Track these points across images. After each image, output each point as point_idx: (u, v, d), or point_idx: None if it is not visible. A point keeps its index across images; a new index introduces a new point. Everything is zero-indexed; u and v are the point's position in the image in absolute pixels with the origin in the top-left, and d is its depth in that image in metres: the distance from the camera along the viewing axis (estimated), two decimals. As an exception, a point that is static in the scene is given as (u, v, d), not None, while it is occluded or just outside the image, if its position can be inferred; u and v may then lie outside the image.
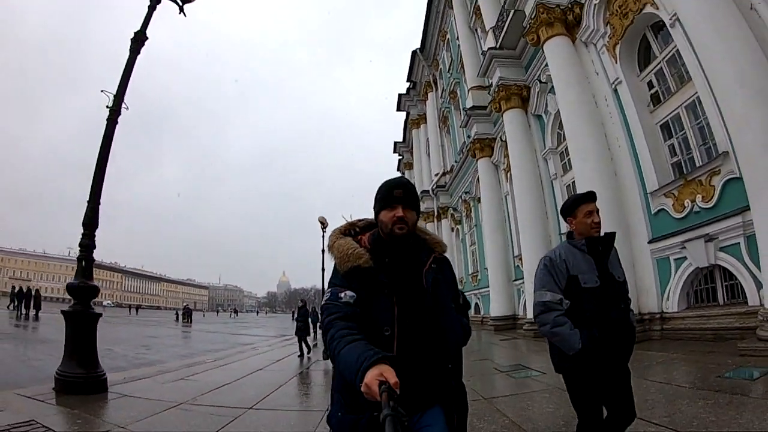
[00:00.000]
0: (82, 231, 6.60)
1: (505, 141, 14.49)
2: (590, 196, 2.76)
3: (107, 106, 7.00)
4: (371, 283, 1.71)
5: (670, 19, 7.59)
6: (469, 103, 17.59)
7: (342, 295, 1.69)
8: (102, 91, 7.00)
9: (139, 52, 7.40)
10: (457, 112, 22.64)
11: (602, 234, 2.70)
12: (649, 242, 8.77)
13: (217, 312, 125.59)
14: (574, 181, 11.16)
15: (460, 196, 22.61)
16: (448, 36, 23.63)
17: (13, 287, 33.83)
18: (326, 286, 1.88)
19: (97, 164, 6.99)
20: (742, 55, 6.05)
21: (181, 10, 8.15)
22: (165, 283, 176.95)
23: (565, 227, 3.73)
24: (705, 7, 6.55)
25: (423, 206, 28.97)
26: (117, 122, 7.15)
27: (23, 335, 15.99)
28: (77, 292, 6.32)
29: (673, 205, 8.30)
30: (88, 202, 6.69)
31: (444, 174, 25.55)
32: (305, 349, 12.17)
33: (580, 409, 2.73)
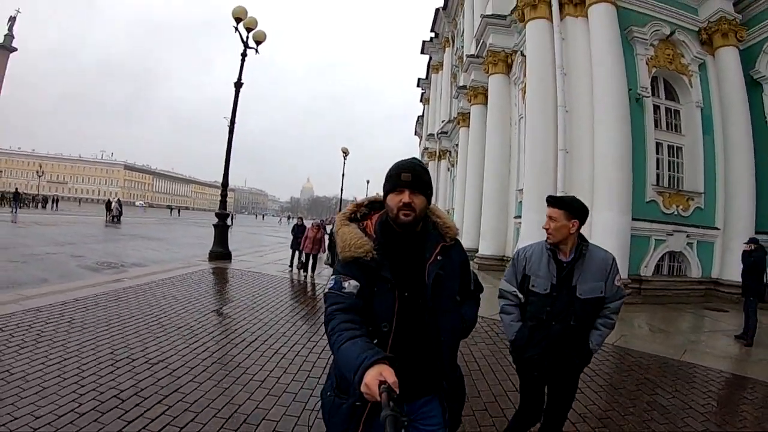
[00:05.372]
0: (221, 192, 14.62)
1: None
2: (548, 200, 2.83)
3: (227, 125, 14.49)
4: (373, 275, 1.76)
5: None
6: (488, 10, 17.16)
7: (346, 284, 1.75)
8: (224, 117, 14.26)
9: (239, 92, 14.25)
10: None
11: (554, 242, 2.76)
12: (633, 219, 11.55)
13: (258, 216, 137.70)
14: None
15: (456, 144, 27.93)
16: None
17: (108, 200, 41.76)
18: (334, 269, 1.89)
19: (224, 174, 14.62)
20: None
21: (257, 51, 14.48)
22: (193, 185, 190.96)
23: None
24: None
25: (429, 145, 36.79)
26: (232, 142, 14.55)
27: (147, 236, 25.74)
28: (221, 216, 14.17)
29: (662, 202, 12.23)
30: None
31: (449, 122, 30.59)
32: (296, 261, 13.91)
33: (520, 395, 3.05)
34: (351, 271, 1.78)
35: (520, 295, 2.86)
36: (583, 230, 10.70)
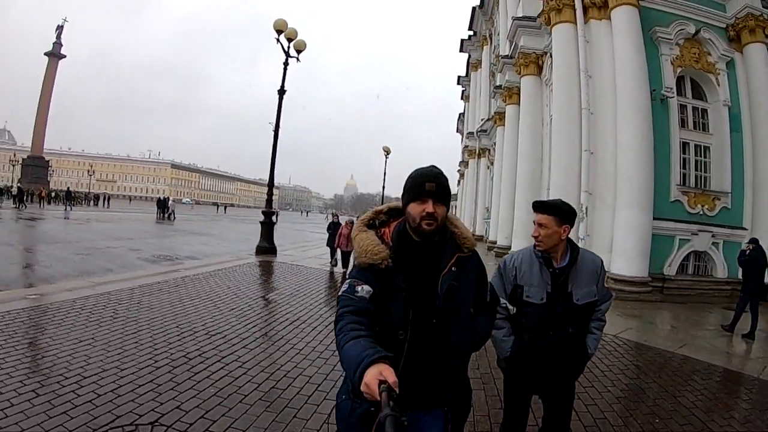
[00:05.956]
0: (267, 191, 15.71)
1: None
2: (536, 205, 2.73)
3: (272, 129, 15.66)
4: (387, 283, 1.78)
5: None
6: (519, 12, 17.54)
7: (359, 288, 1.77)
8: (269, 123, 15.45)
9: (282, 98, 15.46)
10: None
11: (545, 250, 2.65)
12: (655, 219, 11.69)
13: (302, 212, 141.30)
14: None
15: (494, 142, 27.98)
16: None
17: (159, 198, 44.12)
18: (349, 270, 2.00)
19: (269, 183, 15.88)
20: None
21: (298, 59, 15.65)
22: (239, 183, 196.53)
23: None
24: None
25: (469, 143, 37.22)
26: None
27: (198, 232, 27.73)
28: (267, 214, 15.47)
29: (687, 202, 12.42)
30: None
31: (488, 120, 30.71)
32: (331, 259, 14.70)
33: (506, 408, 2.94)
34: (365, 276, 1.80)
35: (511, 307, 2.75)
36: (606, 229, 11.70)
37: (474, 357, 4.97)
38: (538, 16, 15.35)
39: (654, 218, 11.68)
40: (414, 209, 1.83)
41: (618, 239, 11.61)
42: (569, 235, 2.71)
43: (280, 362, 5.19)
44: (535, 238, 2.67)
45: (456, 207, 42.40)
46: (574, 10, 13.05)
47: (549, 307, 2.63)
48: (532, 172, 17.69)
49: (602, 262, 2.81)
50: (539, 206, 2.69)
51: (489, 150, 31.49)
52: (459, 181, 48.83)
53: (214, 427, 3.54)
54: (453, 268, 1.86)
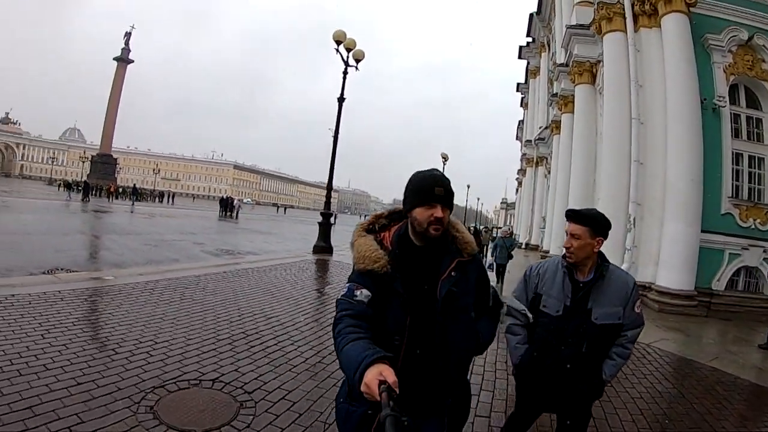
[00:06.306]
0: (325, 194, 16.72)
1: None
2: (570, 214, 2.59)
3: (332, 136, 16.39)
4: (386, 288, 1.80)
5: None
6: (573, 20, 17.24)
7: (358, 293, 1.79)
8: (329, 129, 16.40)
9: (341, 106, 16.39)
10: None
11: (575, 262, 2.55)
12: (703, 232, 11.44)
13: (360, 215, 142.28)
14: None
15: (551, 151, 27.49)
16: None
17: (222, 197, 47.60)
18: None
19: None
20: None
21: (357, 68, 16.53)
22: (298, 185, 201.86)
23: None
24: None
25: (527, 151, 37.15)
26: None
27: (258, 230, 30.05)
28: (325, 215, 16.53)
29: (739, 215, 11.96)
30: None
31: (546, 128, 30.09)
32: None
33: (517, 406, 2.95)
34: (364, 281, 1.82)
35: (530, 315, 2.69)
36: (653, 240, 12.00)
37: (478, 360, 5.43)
38: (590, 25, 15.33)
39: (702, 230, 11.44)
40: (421, 214, 1.81)
41: (664, 251, 11.47)
42: (602, 248, 2.60)
43: (327, 344, 5.65)
44: (567, 249, 2.55)
45: (513, 215, 42.41)
46: (624, 18, 13.07)
47: (564, 320, 2.55)
48: (586, 183, 17.35)
49: (635, 283, 2.63)
50: (573, 216, 2.57)
51: (546, 158, 31.16)
52: (517, 189, 48.66)
53: (266, 387, 4.28)
54: (453, 273, 1.87)
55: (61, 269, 9.03)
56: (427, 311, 1.82)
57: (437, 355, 1.82)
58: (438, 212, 1.78)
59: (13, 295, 6.05)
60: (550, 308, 2.58)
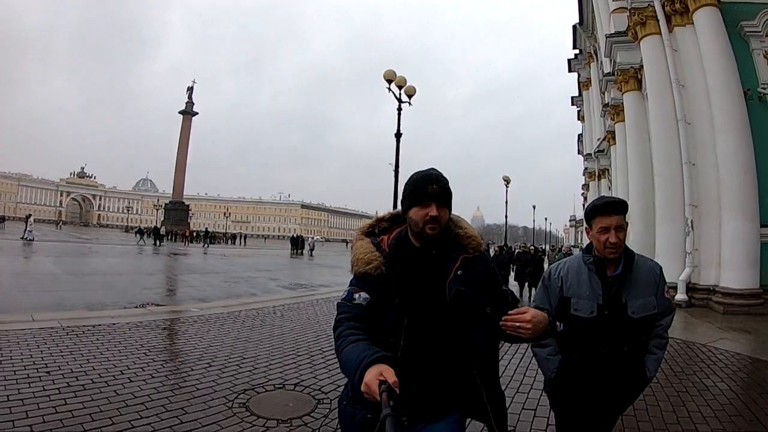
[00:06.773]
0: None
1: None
2: (608, 208, 2.31)
3: (393, 170, 16.81)
4: (382, 291, 1.78)
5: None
6: (611, 28, 16.89)
7: (356, 296, 1.79)
8: (389, 164, 16.84)
9: (399, 141, 16.99)
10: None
11: (618, 255, 2.32)
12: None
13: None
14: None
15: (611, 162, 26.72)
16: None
17: (293, 236, 50.49)
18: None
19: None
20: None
21: (410, 104, 17.24)
22: (365, 220, 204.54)
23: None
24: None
25: (588, 165, 36.37)
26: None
27: (329, 265, 32.29)
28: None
29: None
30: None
31: (603, 139, 28.92)
32: None
33: (558, 429, 2.64)
34: (362, 284, 1.81)
35: (558, 323, 2.21)
36: (713, 242, 11.87)
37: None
38: (626, 31, 15.20)
39: (762, 225, 10.94)
40: (416, 214, 1.80)
41: (725, 251, 11.02)
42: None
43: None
44: (614, 245, 2.27)
45: (582, 232, 41.54)
46: (657, 21, 13.02)
47: (600, 321, 2.32)
48: (645, 193, 16.19)
49: (661, 269, 2.46)
50: (615, 207, 2.31)
51: (607, 170, 30.29)
52: (583, 205, 47.82)
53: (340, 389, 4.86)
54: (458, 272, 1.81)
55: (151, 304, 10.15)
56: (431, 314, 1.78)
57: (446, 356, 1.78)
58: (432, 211, 1.76)
59: (113, 324, 7.28)
60: (583, 310, 2.34)
